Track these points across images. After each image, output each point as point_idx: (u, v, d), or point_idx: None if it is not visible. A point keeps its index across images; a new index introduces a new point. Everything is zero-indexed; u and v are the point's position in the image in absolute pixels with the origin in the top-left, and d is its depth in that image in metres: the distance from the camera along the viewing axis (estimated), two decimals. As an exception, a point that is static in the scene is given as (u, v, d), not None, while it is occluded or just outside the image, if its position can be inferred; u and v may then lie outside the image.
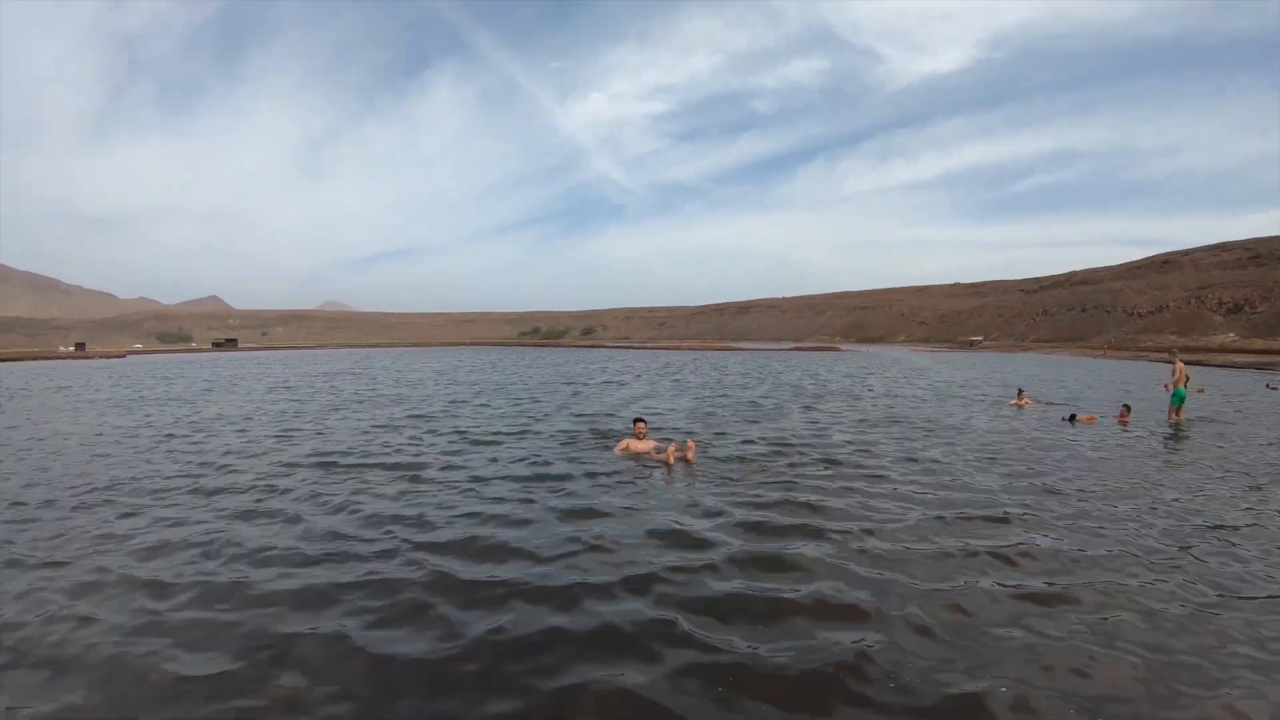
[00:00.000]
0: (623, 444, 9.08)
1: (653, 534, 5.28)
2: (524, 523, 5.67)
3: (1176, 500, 6.57)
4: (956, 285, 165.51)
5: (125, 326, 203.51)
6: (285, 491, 6.92)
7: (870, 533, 5.38)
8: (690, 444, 8.51)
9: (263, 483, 7.33)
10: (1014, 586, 4.31)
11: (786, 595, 4.13)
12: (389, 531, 5.44)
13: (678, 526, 5.47)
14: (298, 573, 4.60)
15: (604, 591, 4.21)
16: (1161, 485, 7.28)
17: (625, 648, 3.54)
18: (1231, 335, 76.46)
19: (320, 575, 4.54)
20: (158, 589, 4.37)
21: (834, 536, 5.24)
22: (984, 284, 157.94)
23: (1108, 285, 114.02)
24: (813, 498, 6.47)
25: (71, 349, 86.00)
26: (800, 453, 8.99)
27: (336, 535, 5.37)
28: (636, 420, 9.41)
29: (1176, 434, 11.44)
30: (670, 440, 9.10)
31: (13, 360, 57.78)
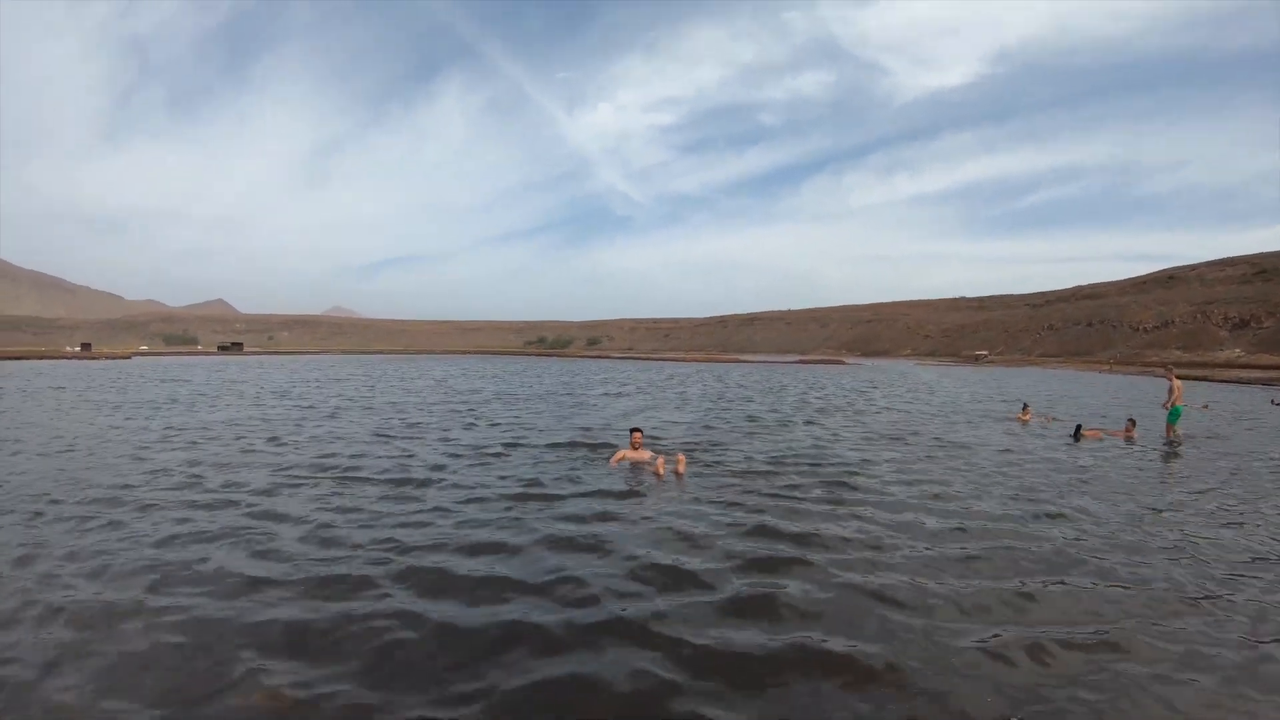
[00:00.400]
0: (619, 454, 9.00)
1: (642, 568, 4.93)
2: (510, 553, 5.30)
3: (1203, 530, 6.19)
4: (961, 299, 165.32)
5: (131, 328, 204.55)
6: (262, 507, 6.56)
7: (877, 566, 5.05)
8: (680, 458, 8.40)
9: (238, 496, 6.99)
10: (1038, 631, 3.96)
11: (788, 644, 3.79)
12: (364, 557, 5.12)
13: (669, 560, 5.13)
14: (259, 605, 4.26)
15: (586, 637, 3.87)
16: (1180, 510, 6.93)
17: (606, 707, 3.22)
18: (1237, 351, 75.83)
19: (280, 609, 4.20)
20: (97, 615, 4.03)
21: (837, 573, 4.91)
22: (990, 298, 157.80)
23: (1113, 300, 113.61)
24: (814, 525, 6.14)
25: (77, 349, 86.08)
26: (801, 471, 8.70)
27: (307, 559, 5.04)
28: (633, 430, 9.33)
29: (1181, 452, 11.27)
30: (663, 452, 8.95)
31: (19, 359, 57.89)
